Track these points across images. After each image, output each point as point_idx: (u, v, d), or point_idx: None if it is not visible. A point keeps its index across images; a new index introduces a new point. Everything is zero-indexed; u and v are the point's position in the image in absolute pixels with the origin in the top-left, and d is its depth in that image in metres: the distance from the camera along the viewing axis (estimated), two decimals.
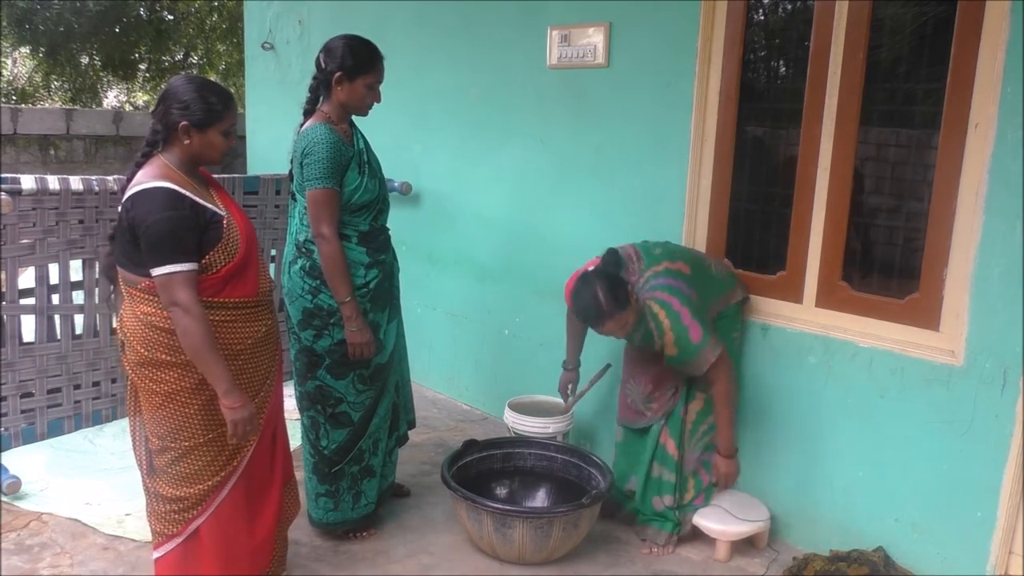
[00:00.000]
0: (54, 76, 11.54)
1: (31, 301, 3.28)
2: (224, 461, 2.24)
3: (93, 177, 3.35)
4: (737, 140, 3.07)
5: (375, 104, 2.74)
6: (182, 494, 2.21)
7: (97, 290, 3.43)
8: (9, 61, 12.05)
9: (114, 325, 2.85)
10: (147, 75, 12.19)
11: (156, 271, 2.04)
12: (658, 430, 2.92)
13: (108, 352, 3.50)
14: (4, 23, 10.05)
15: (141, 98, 12.74)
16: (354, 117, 2.77)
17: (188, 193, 2.09)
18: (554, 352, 3.53)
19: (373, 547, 2.89)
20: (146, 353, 2.12)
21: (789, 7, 3.12)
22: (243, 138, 5.83)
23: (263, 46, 5.46)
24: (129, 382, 2.23)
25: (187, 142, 2.13)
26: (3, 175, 3.10)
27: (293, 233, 2.76)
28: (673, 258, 2.81)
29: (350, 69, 2.62)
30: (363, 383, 2.77)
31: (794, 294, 2.93)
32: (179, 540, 2.25)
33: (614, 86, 3.38)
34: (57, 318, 3.35)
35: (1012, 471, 2.41)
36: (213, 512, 2.24)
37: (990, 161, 2.39)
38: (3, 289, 3.16)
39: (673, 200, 3.21)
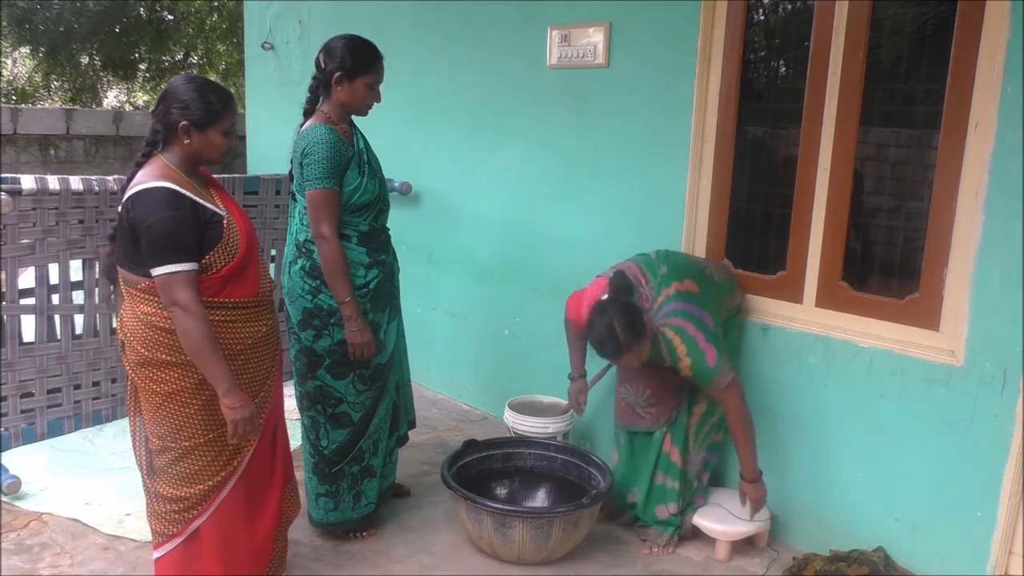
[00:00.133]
0: (54, 76, 11.56)
1: (31, 301, 3.28)
2: (224, 461, 2.24)
3: (93, 177, 3.35)
4: (737, 140, 3.07)
5: (375, 104, 2.74)
6: (182, 494, 2.21)
7: (97, 290, 3.43)
8: (9, 61, 12.06)
9: (114, 325, 2.85)
10: (147, 75, 12.21)
11: (156, 271, 2.04)
12: (660, 437, 2.92)
13: (108, 352, 3.50)
14: (4, 23, 10.05)
15: (141, 98, 12.75)
16: (354, 117, 2.77)
17: (188, 193, 2.09)
18: (554, 352, 3.53)
19: (373, 547, 2.89)
20: (146, 353, 2.12)
21: (789, 7, 3.12)
22: (243, 138, 5.83)
23: (263, 46, 5.46)
24: (129, 382, 2.23)
25: (187, 142, 2.13)
26: (3, 175, 3.10)
27: (293, 233, 2.76)
28: (680, 277, 2.76)
29: (350, 69, 2.62)
30: (363, 383, 2.77)
31: (794, 294, 2.93)
32: (179, 540, 2.25)
33: (614, 86, 3.38)
34: (57, 318, 3.35)
35: (1012, 471, 2.41)
36: (213, 512, 2.25)
37: (990, 161, 2.39)
38: (3, 289, 3.16)
39: (673, 200, 3.21)
